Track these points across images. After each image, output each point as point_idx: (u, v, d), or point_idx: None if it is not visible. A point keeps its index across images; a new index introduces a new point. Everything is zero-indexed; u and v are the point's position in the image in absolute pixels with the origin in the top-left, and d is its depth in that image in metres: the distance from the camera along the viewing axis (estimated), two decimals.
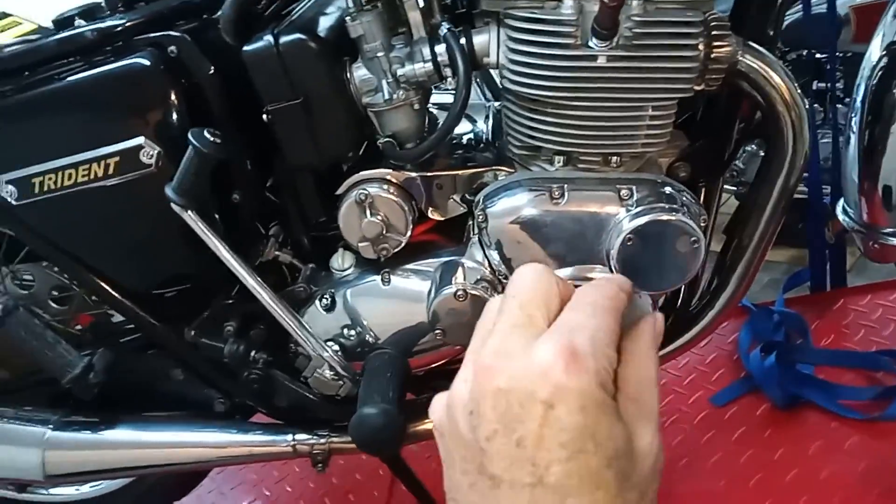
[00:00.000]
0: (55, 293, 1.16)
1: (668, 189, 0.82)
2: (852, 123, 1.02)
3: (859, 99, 1.00)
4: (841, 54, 1.80)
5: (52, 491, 1.30)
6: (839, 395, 1.24)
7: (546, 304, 0.38)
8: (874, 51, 0.98)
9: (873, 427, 1.18)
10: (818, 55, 1.99)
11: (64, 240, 0.89)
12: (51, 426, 1.00)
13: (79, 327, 1.14)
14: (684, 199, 0.82)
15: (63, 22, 0.91)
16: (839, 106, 1.61)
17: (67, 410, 1.03)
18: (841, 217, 1.09)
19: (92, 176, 0.81)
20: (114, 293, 0.93)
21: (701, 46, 0.76)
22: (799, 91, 0.82)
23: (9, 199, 0.84)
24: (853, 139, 1.02)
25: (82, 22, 0.89)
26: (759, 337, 1.42)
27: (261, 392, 0.99)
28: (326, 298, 0.92)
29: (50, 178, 0.81)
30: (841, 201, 1.10)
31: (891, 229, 1.01)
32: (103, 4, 0.95)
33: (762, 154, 0.92)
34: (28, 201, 0.84)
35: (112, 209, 0.85)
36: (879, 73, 0.97)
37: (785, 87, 0.82)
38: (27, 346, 0.92)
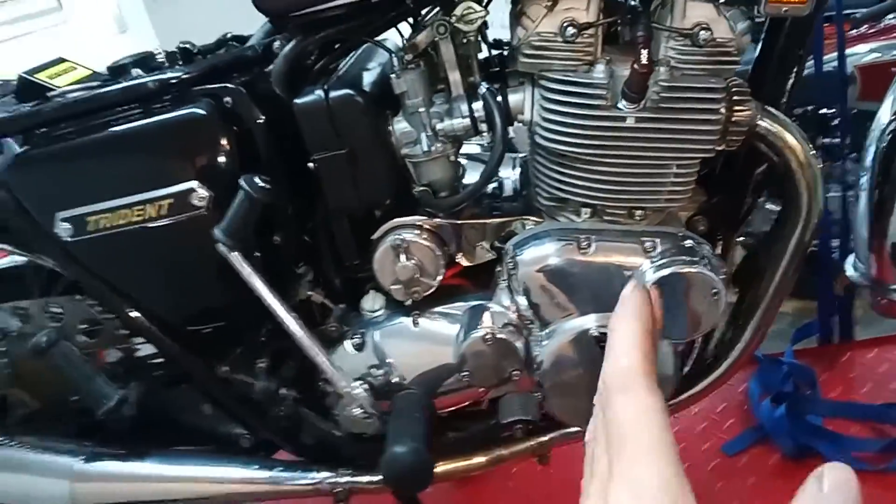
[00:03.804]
0: (83, 326, 1.19)
1: (688, 242, 0.86)
2: (863, 182, 1.07)
3: (869, 159, 1.06)
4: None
5: None
6: (848, 447, 1.26)
7: None
8: (884, 114, 1.04)
9: (883, 478, 1.20)
10: (823, 111, 2.06)
11: (111, 275, 0.93)
12: (81, 458, 1.02)
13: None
14: (704, 251, 0.86)
15: (118, 69, 0.97)
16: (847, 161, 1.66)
17: (96, 442, 1.05)
18: (850, 272, 1.13)
19: (146, 216, 0.85)
20: (153, 328, 0.97)
21: (723, 110, 0.81)
22: (813, 152, 0.87)
23: (63, 236, 0.89)
24: (863, 198, 1.07)
25: (139, 71, 0.95)
26: (769, 387, 1.45)
27: (287, 429, 1.02)
28: (357, 338, 0.96)
29: (105, 217, 0.86)
30: (851, 257, 1.15)
31: None
32: (155, 53, 1.02)
33: (767, 206, 0.97)
34: (81, 238, 0.88)
35: (160, 248, 0.89)
36: (889, 136, 1.02)
37: (800, 149, 0.87)
38: (67, 376, 0.96)
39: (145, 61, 0.98)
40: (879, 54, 1.90)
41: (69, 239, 0.89)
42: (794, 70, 0.92)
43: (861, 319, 1.78)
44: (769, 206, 0.98)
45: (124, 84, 0.88)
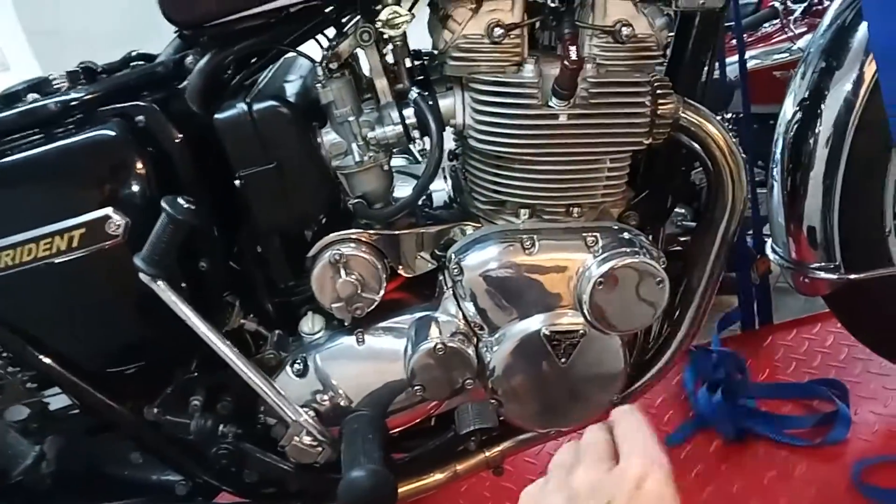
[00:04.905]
0: None
1: (626, 234, 0.88)
2: (774, 173, 1.12)
3: (778, 151, 1.11)
4: (732, 115, 1.99)
5: None
6: (784, 425, 1.30)
7: None
8: (788, 108, 1.10)
9: (818, 452, 1.24)
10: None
11: (18, 319, 0.84)
12: None
13: None
14: (642, 242, 0.87)
15: (10, 97, 0.89)
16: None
17: None
18: (771, 256, 1.18)
19: (54, 250, 0.78)
20: (69, 375, 0.88)
21: (648, 104, 0.83)
22: (735, 141, 0.90)
23: None
24: (776, 187, 1.12)
25: (35, 95, 0.87)
26: (702, 376, 1.49)
27: (228, 469, 0.95)
28: (298, 364, 0.91)
29: (7, 255, 0.77)
30: (769, 242, 1.20)
31: (818, 264, 1.11)
32: (50, 78, 0.94)
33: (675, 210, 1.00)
34: None
35: (73, 284, 0.81)
36: (795, 127, 1.08)
37: (721, 138, 0.90)
38: None
39: (40, 87, 0.90)
40: (759, 61, 2.03)
41: None
42: (707, 65, 0.96)
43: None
44: (676, 209, 1.02)
45: (21, 108, 0.80)
